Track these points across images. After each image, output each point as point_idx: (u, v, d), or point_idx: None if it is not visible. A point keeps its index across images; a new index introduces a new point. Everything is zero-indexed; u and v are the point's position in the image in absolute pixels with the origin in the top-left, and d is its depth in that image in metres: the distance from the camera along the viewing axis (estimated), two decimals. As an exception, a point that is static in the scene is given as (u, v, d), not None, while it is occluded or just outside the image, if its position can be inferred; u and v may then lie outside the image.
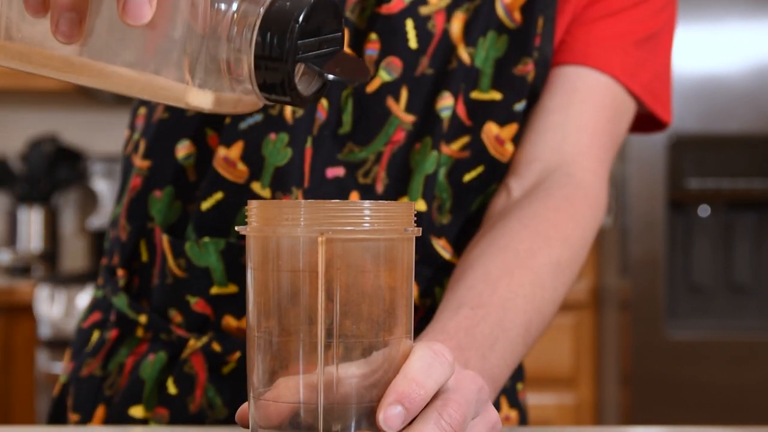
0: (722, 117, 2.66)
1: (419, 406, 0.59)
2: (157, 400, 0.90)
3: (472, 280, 0.82)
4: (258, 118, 0.87)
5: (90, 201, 3.38)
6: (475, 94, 0.91)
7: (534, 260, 0.84)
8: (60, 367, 2.70)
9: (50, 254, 3.23)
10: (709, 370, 2.66)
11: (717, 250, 2.79)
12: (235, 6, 0.58)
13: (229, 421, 0.87)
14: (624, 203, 2.68)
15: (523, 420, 0.98)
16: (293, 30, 0.58)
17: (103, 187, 3.31)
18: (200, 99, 0.60)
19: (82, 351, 0.96)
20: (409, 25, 0.88)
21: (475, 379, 0.63)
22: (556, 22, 0.93)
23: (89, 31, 0.59)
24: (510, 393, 0.96)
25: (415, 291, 0.89)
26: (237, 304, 0.88)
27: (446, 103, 0.89)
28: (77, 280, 2.82)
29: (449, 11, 0.90)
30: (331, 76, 0.61)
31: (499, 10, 0.90)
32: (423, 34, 0.89)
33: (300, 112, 0.87)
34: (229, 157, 0.87)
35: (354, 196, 0.89)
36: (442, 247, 0.91)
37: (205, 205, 0.88)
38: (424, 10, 0.89)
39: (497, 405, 0.94)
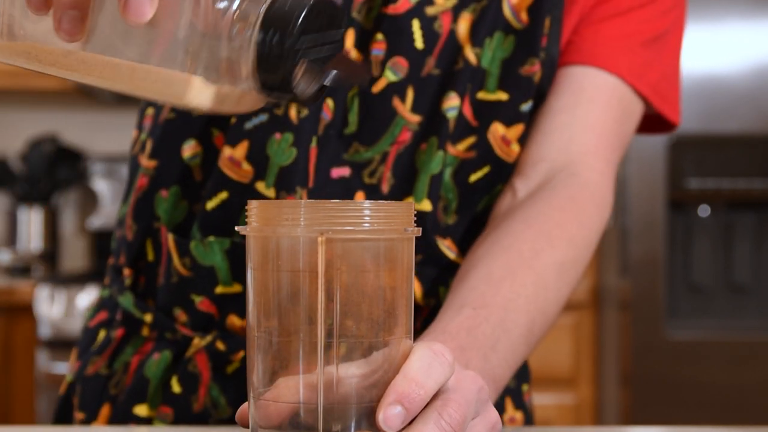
0: (722, 117, 2.66)
1: (419, 406, 0.59)
2: (161, 399, 0.90)
3: (475, 280, 0.82)
4: (263, 118, 0.87)
5: (90, 201, 3.38)
6: (482, 95, 0.91)
7: (537, 260, 0.84)
8: (60, 367, 2.70)
9: (50, 254, 3.23)
10: (709, 370, 2.66)
11: (717, 250, 2.79)
12: (236, 4, 0.58)
13: (233, 420, 0.87)
14: (624, 203, 2.68)
15: (529, 421, 0.98)
16: (294, 29, 0.58)
17: (103, 187, 3.31)
18: (201, 98, 0.60)
19: (88, 350, 0.97)
20: (416, 25, 0.88)
21: (476, 380, 0.63)
22: (563, 23, 0.93)
23: (91, 29, 0.59)
24: (515, 394, 0.96)
25: (419, 291, 0.89)
26: (241, 304, 0.88)
27: (452, 103, 0.89)
28: (77, 280, 2.82)
29: (456, 11, 0.90)
30: (331, 75, 0.61)
31: (506, 11, 0.90)
32: (429, 34, 0.89)
33: (305, 111, 0.87)
34: (234, 157, 0.88)
35: (359, 196, 0.89)
36: (447, 248, 0.91)
37: (210, 204, 0.88)
38: (430, 11, 0.89)
39: (502, 406, 0.94)
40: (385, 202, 0.60)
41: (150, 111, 0.97)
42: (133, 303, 0.93)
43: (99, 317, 0.98)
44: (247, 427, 0.62)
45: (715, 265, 2.79)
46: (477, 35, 0.90)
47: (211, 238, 0.88)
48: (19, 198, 3.22)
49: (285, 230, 0.59)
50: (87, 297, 2.71)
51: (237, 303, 0.88)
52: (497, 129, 0.91)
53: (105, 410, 0.93)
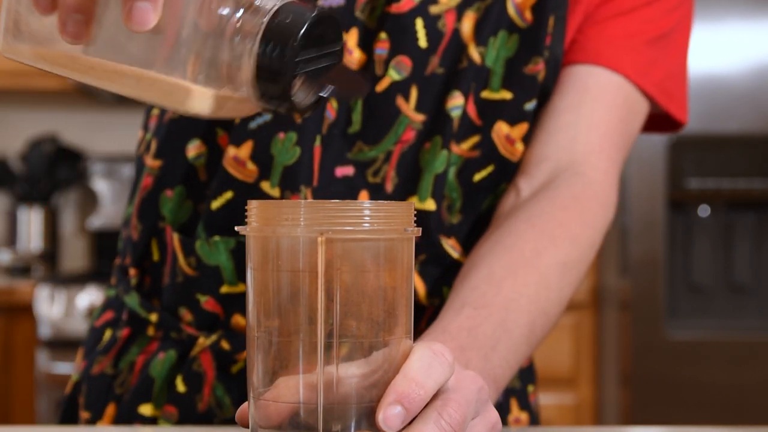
0: (722, 117, 2.66)
1: (419, 406, 0.59)
2: (166, 398, 0.90)
3: (476, 280, 0.82)
4: (267, 117, 0.87)
5: (90, 201, 3.38)
6: (486, 94, 0.91)
7: (539, 260, 0.84)
8: (60, 367, 2.70)
9: (50, 254, 3.23)
10: (709, 370, 2.66)
11: (717, 250, 2.79)
12: (238, 15, 0.59)
13: (238, 420, 0.87)
14: (624, 203, 2.68)
15: (534, 422, 0.98)
16: (294, 42, 0.58)
17: (103, 187, 3.31)
18: (201, 105, 0.60)
19: (94, 349, 0.97)
20: (419, 24, 0.88)
21: (476, 380, 0.63)
22: (567, 22, 0.93)
23: (95, 33, 0.60)
24: (520, 395, 0.96)
25: (423, 290, 0.89)
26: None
27: (456, 102, 0.89)
28: (77, 280, 2.82)
29: (460, 10, 0.90)
30: (329, 89, 0.62)
31: (510, 10, 0.90)
32: (433, 33, 0.89)
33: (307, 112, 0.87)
34: (238, 157, 0.88)
35: (363, 195, 0.89)
36: (451, 247, 0.91)
37: (215, 204, 0.88)
38: (434, 10, 0.89)
39: (507, 407, 0.94)
40: (385, 202, 0.60)
41: (155, 111, 0.98)
42: (138, 303, 0.93)
43: (105, 317, 0.98)
44: (247, 427, 0.62)
45: (715, 265, 2.79)
46: (481, 34, 0.90)
47: (216, 238, 0.88)
48: (19, 198, 3.22)
49: (285, 230, 0.59)
50: (87, 297, 2.71)
51: (242, 303, 0.88)
52: (501, 128, 0.91)
53: (110, 410, 0.93)
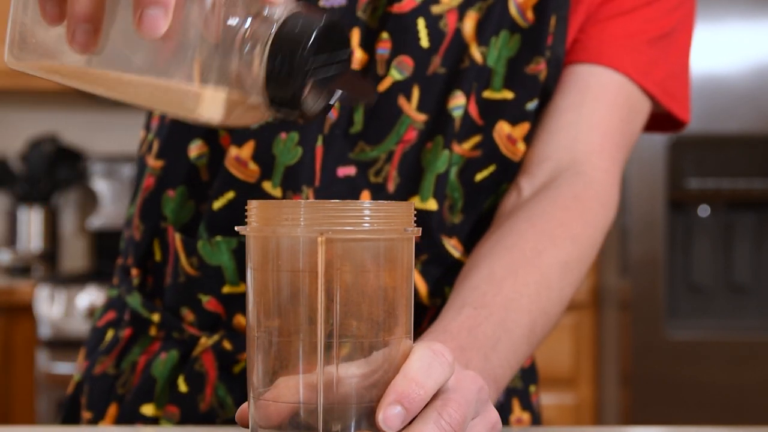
0: (722, 117, 2.66)
1: (419, 406, 0.59)
2: (168, 398, 0.90)
3: (477, 280, 0.82)
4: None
5: (90, 201, 3.38)
6: (488, 94, 0.91)
7: (540, 260, 0.84)
8: (60, 367, 2.70)
9: (50, 254, 3.23)
10: (709, 370, 2.66)
11: (717, 250, 2.79)
12: (248, 22, 0.60)
13: (239, 420, 0.88)
14: (624, 203, 2.68)
15: (536, 422, 0.98)
16: (304, 49, 0.59)
17: (103, 187, 3.31)
18: (210, 112, 0.61)
19: (96, 349, 0.97)
20: (421, 24, 0.88)
21: (476, 379, 0.63)
22: (569, 21, 0.93)
23: (104, 41, 0.60)
24: (522, 395, 0.96)
25: (424, 290, 0.89)
26: None
27: (458, 102, 0.89)
28: (77, 280, 2.82)
29: (461, 10, 0.90)
30: (338, 94, 0.62)
31: (512, 10, 0.90)
32: (435, 33, 0.89)
33: None
34: (240, 157, 0.88)
35: (365, 195, 0.89)
36: (452, 247, 0.91)
37: (217, 204, 0.88)
38: (435, 9, 0.89)
39: (509, 407, 0.94)
40: (385, 202, 0.60)
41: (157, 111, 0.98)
42: (140, 303, 0.93)
43: (107, 317, 0.98)
44: (247, 427, 0.62)
45: (715, 265, 2.79)
46: (483, 34, 0.90)
47: (218, 238, 0.88)
48: (19, 198, 3.22)
49: (285, 230, 0.59)
50: (87, 297, 2.71)
51: (244, 303, 0.88)
52: (503, 128, 0.91)
53: (112, 410, 0.93)
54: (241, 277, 0.88)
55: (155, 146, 0.95)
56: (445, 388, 0.61)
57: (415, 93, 0.89)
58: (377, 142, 0.89)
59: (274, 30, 0.59)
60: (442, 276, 0.91)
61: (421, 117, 0.89)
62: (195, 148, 0.91)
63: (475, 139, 0.91)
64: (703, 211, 2.80)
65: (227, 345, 0.88)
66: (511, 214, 0.89)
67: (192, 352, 0.90)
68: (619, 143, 0.94)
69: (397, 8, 0.88)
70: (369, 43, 0.90)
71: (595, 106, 0.92)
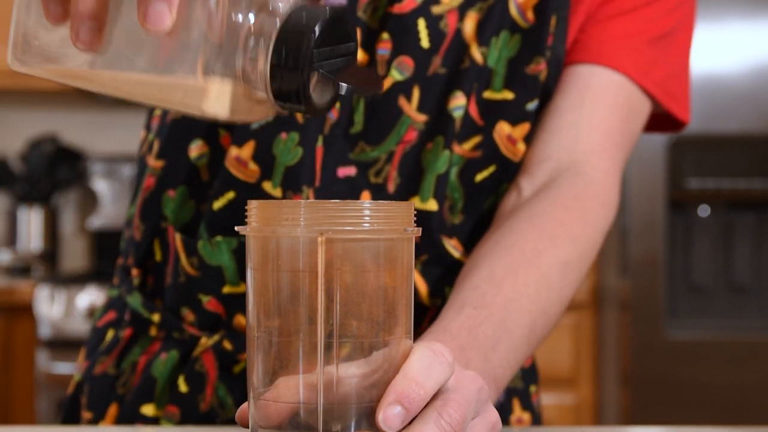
0: (722, 117, 2.66)
1: (419, 406, 0.59)
2: (168, 399, 0.90)
3: (477, 280, 0.82)
4: (269, 117, 0.87)
5: (90, 201, 3.38)
6: (488, 94, 0.91)
7: (540, 260, 0.84)
8: (60, 367, 2.70)
9: (50, 254, 3.23)
10: (709, 370, 2.66)
11: (717, 250, 2.79)
12: (252, 16, 0.59)
13: (239, 420, 0.88)
14: (624, 203, 2.68)
15: (537, 422, 0.98)
16: (309, 41, 0.59)
17: (103, 187, 3.31)
18: (217, 107, 0.60)
19: (97, 349, 0.97)
20: (421, 24, 0.88)
21: (476, 379, 0.63)
22: (569, 22, 0.93)
23: (108, 39, 0.60)
24: (523, 395, 0.96)
25: (424, 290, 0.89)
26: None
27: (458, 102, 0.89)
28: (77, 280, 2.82)
29: (462, 10, 0.90)
30: (344, 86, 0.62)
31: (513, 10, 0.90)
32: (435, 33, 0.89)
33: None
34: (240, 157, 0.88)
35: (365, 195, 0.89)
36: (453, 247, 0.91)
37: (217, 204, 0.89)
38: (436, 10, 0.89)
39: (510, 407, 0.94)
40: (385, 202, 0.60)
41: (158, 111, 0.98)
42: (141, 303, 0.93)
43: (107, 317, 0.98)
44: (247, 427, 0.62)
45: (715, 265, 2.79)
46: (483, 34, 0.90)
47: (219, 238, 0.88)
48: (19, 198, 3.22)
49: (285, 230, 0.59)
50: (87, 297, 2.71)
51: (244, 303, 0.88)
52: (503, 128, 0.91)
53: (112, 410, 0.93)
54: (242, 277, 0.88)
55: (156, 146, 0.95)
56: (445, 388, 0.61)
57: (416, 93, 0.89)
58: (377, 142, 0.89)
59: (278, 23, 0.59)
60: (442, 276, 0.91)
61: (422, 117, 0.89)
62: (195, 148, 0.91)
63: (476, 140, 0.91)
64: (703, 211, 2.80)
65: (227, 345, 0.88)
66: (511, 214, 0.89)
67: (192, 352, 0.90)
68: (619, 143, 0.94)
69: (397, 9, 0.88)
70: (369, 44, 0.90)
71: (595, 107, 0.92)
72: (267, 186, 0.88)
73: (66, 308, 2.71)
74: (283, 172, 0.87)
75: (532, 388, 0.97)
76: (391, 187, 0.89)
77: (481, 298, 0.80)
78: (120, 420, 0.92)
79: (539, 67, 0.90)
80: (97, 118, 3.37)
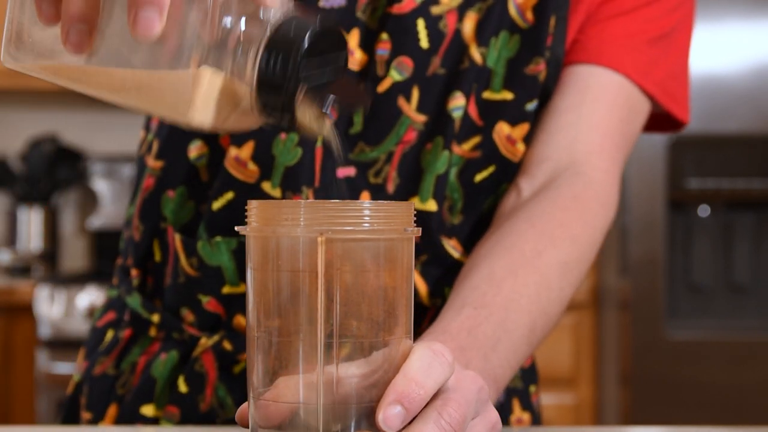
0: (722, 117, 2.66)
1: (419, 406, 0.59)
2: (168, 399, 0.90)
3: (477, 280, 0.82)
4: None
5: (90, 201, 3.38)
6: (487, 94, 0.91)
7: (540, 260, 0.84)
8: (60, 367, 2.70)
9: (50, 254, 3.23)
10: (709, 370, 2.66)
11: (717, 250, 2.79)
12: (242, 26, 0.59)
13: (239, 420, 0.88)
14: (624, 203, 2.68)
15: (536, 422, 0.98)
16: (297, 55, 0.58)
17: (103, 187, 3.31)
18: (202, 116, 0.60)
19: (96, 350, 0.97)
20: (421, 24, 0.88)
21: (475, 379, 0.63)
22: (569, 22, 0.93)
23: (98, 42, 0.60)
24: (523, 395, 0.96)
25: (424, 291, 0.90)
26: None
27: (458, 103, 0.89)
28: (77, 280, 2.82)
29: (461, 11, 0.90)
30: (330, 102, 0.62)
31: (512, 10, 0.90)
32: (434, 33, 0.89)
33: None
34: (240, 157, 0.88)
35: (365, 196, 0.89)
36: (452, 247, 0.91)
37: (217, 204, 0.89)
38: (435, 10, 0.89)
39: (510, 407, 0.94)
40: (385, 202, 0.61)
41: (158, 111, 0.98)
42: (140, 303, 0.93)
43: (107, 317, 0.98)
44: (247, 427, 0.62)
45: (715, 265, 2.79)
46: (482, 34, 0.90)
47: (218, 238, 0.88)
48: (19, 198, 3.22)
49: (285, 230, 0.59)
50: (87, 297, 2.71)
51: (244, 303, 0.88)
52: (502, 128, 0.91)
53: (112, 410, 0.93)
54: (241, 277, 0.88)
55: (155, 146, 0.95)
56: (445, 388, 0.61)
57: (415, 94, 0.89)
58: (377, 142, 0.89)
59: (267, 34, 0.59)
60: (442, 276, 0.91)
61: (421, 118, 0.89)
62: (195, 149, 0.91)
63: (475, 140, 0.91)
64: (703, 211, 2.80)
65: (227, 345, 0.88)
66: (510, 214, 0.89)
67: (192, 353, 0.90)
68: (618, 143, 0.94)
69: (396, 9, 0.88)
70: (369, 44, 0.90)
71: (594, 107, 0.92)
72: (266, 186, 0.88)
73: (66, 308, 2.71)
74: (282, 173, 0.87)
75: (532, 388, 0.97)
76: (391, 188, 0.89)
77: (481, 299, 0.80)
78: (119, 420, 0.92)
79: (538, 68, 0.90)
80: (97, 118, 3.37)
